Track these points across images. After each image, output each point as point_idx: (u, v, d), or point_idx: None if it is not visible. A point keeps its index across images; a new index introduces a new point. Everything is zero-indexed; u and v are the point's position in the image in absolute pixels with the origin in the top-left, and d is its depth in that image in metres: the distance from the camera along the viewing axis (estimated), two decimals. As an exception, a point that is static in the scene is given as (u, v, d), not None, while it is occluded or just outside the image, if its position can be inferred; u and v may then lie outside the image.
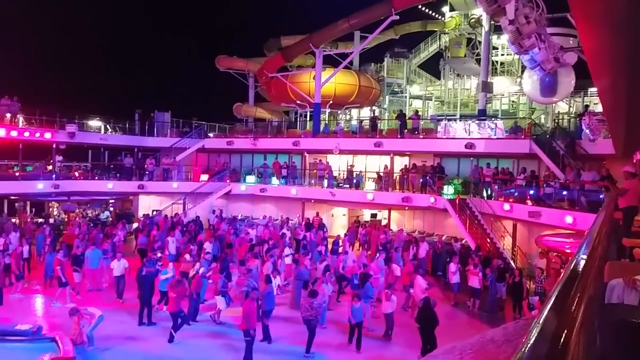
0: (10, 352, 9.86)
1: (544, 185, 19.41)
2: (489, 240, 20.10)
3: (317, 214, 26.71)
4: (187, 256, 17.21)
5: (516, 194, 20.32)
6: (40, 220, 27.67)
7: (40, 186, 25.69)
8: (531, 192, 19.70)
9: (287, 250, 18.61)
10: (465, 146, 22.55)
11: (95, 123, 30.57)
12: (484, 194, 21.66)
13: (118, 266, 15.90)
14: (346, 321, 12.84)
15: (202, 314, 14.42)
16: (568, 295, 2.28)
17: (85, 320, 12.05)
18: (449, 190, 22.59)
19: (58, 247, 18.26)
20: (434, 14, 37.42)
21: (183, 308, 13.12)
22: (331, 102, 32.42)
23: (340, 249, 19.89)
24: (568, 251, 15.74)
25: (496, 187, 21.54)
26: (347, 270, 16.67)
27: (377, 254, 17.77)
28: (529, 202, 19.48)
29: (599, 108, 18.46)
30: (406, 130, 25.79)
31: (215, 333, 13.50)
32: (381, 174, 25.97)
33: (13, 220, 26.31)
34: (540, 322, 1.94)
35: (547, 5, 15.76)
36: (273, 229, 23.57)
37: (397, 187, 25.24)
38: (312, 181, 28.23)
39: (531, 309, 13.33)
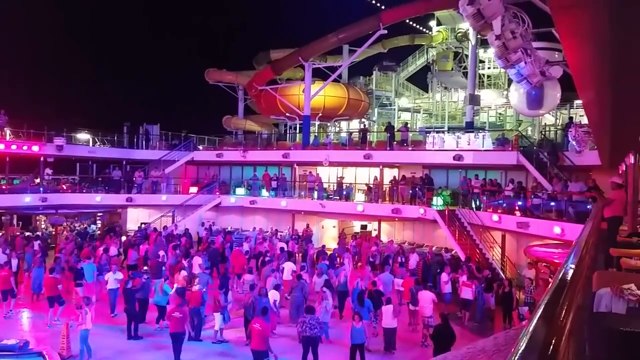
0: (-4, 368, 9.71)
1: (532, 196, 19.60)
2: (478, 250, 20.21)
3: (308, 225, 26.70)
4: (183, 272, 16.57)
5: (504, 205, 20.48)
6: (28, 233, 27.27)
7: (27, 199, 25.43)
8: (519, 203, 19.88)
9: (289, 265, 17.73)
10: (454, 158, 22.75)
11: (83, 136, 30.41)
12: (473, 205, 21.81)
13: (112, 279, 15.60)
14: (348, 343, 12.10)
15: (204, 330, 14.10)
16: (557, 304, 2.32)
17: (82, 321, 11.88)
18: (438, 202, 22.75)
19: (52, 265, 17.68)
20: (421, 28, 37.89)
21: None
22: (320, 114, 32.57)
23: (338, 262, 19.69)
24: (557, 261, 15.86)
25: (484, 198, 21.72)
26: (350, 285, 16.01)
27: (367, 265, 17.64)
28: (517, 213, 19.64)
29: (585, 120, 18.75)
30: (395, 142, 26.00)
31: (216, 352, 13.12)
32: (371, 186, 26.07)
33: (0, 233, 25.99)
34: (530, 330, 1.98)
35: (533, 21, 16.08)
36: (269, 242, 22.98)
37: (387, 199, 25.35)
38: (302, 193, 28.26)
39: (522, 319, 13.38)
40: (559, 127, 26.98)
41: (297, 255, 22.17)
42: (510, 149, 22.43)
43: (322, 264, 18.17)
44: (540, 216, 18.39)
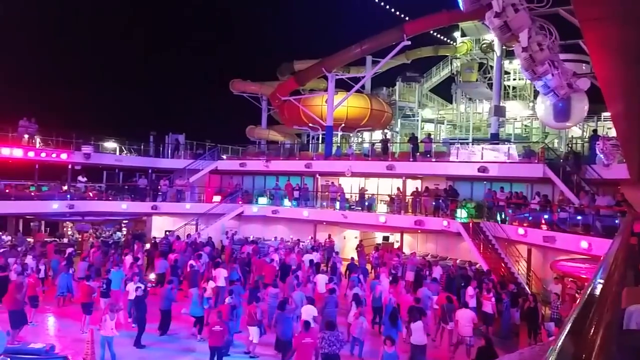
0: (23, 371, 9.91)
1: (559, 209, 19.25)
2: (503, 264, 19.90)
3: (329, 236, 26.66)
4: (211, 282, 16.37)
5: (530, 218, 20.16)
6: (54, 239, 27.84)
7: (55, 206, 25.98)
8: (545, 216, 19.54)
9: (323, 278, 17.26)
10: (479, 170, 22.50)
11: (110, 144, 31.04)
12: (498, 218, 21.52)
13: (134, 289, 14.97)
14: None
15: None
16: (585, 320, 2.29)
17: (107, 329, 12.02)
18: (462, 214, 22.49)
19: (86, 272, 17.82)
20: (445, 39, 37.80)
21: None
22: (343, 125, 32.63)
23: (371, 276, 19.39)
24: (584, 276, 15.53)
25: (510, 211, 21.40)
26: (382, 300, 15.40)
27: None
28: (543, 226, 19.31)
29: (613, 132, 18.40)
30: (418, 154, 25.84)
31: None
32: (393, 197, 25.93)
33: (28, 239, 26.60)
34: (558, 347, 1.95)
35: (560, 33, 15.90)
36: (298, 254, 22.36)
37: (410, 210, 25.16)
38: (324, 203, 28.25)
39: (549, 335, 13.05)
40: (586, 139, 26.53)
41: (322, 267, 21.90)
42: (536, 161, 22.12)
43: (354, 277, 17.67)
44: (566, 230, 18.04)
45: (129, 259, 19.39)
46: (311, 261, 20.45)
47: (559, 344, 1.97)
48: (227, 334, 12.39)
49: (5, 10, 42.64)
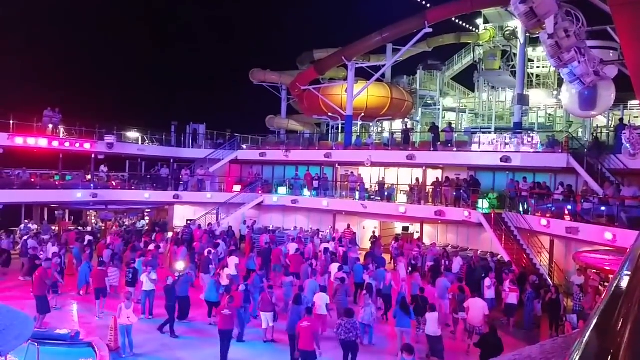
0: (50, 355, 10.14)
1: (582, 200, 18.90)
2: (525, 256, 19.66)
3: (349, 226, 26.65)
4: (227, 270, 16.63)
5: (553, 209, 19.85)
6: (80, 228, 28.38)
7: (79, 195, 26.46)
8: (569, 207, 19.21)
9: (334, 267, 17.36)
10: (501, 159, 22.17)
11: (133, 134, 31.43)
12: (521, 209, 21.23)
13: (147, 280, 14.99)
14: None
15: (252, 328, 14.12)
16: (612, 314, 2.22)
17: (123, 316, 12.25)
18: (484, 205, 22.24)
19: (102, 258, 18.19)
20: (468, 26, 37.20)
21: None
22: (363, 114, 32.45)
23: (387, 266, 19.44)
24: (608, 268, 15.27)
25: (533, 201, 21.09)
26: (392, 290, 15.78)
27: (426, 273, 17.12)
28: (566, 217, 18.99)
29: (641, 121, 17.94)
30: (439, 143, 25.57)
31: (264, 351, 13.16)
32: (413, 187, 25.75)
33: (53, 227, 27.17)
34: (584, 341, 1.90)
35: (587, 18, 15.47)
36: (312, 243, 22.71)
37: (430, 201, 24.97)
38: (344, 193, 28.21)
39: (574, 328, 12.87)
40: (611, 128, 25.95)
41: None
42: (560, 151, 21.72)
43: (358, 265, 18.04)
44: (590, 221, 17.71)
45: (152, 247, 19.74)
46: (326, 249, 20.71)
47: (585, 337, 1.91)
48: (237, 318, 12.63)
49: (35, 4, 43.43)
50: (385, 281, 16.07)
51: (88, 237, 22.27)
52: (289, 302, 13.87)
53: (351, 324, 11.35)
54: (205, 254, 19.16)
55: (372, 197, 26.98)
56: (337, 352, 11.85)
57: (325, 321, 13.76)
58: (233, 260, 17.70)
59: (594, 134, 26.19)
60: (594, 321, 2.13)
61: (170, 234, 26.22)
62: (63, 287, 17.07)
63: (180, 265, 16.98)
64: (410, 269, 18.20)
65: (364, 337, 13.02)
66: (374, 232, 26.61)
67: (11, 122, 24.16)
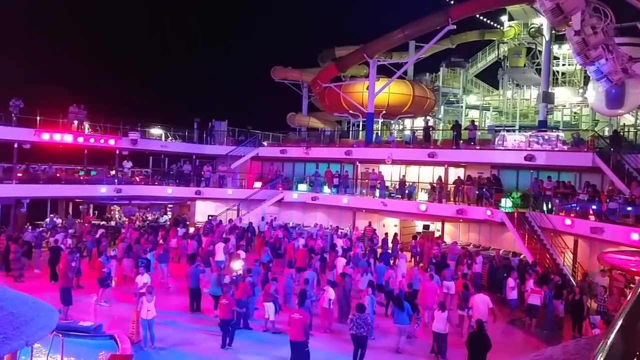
0: (73, 346, 10.36)
1: (608, 200, 18.50)
2: (548, 255, 19.35)
3: (370, 223, 26.57)
4: (238, 262, 17.03)
5: (578, 208, 19.48)
6: (95, 222, 28.81)
7: (103, 190, 26.93)
8: (594, 207, 18.84)
9: (340, 262, 17.91)
10: (525, 158, 21.80)
11: (156, 131, 31.82)
12: (544, 208, 20.89)
13: (140, 281, 14.53)
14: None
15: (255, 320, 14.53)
16: (639, 316, 2.16)
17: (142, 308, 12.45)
18: (507, 204, 21.94)
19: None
20: (492, 23, 36.68)
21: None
22: (384, 111, 32.28)
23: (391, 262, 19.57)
24: (633, 269, 14.94)
25: (557, 201, 20.73)
26: (394, 285, 15.94)
27: (429, 269, 17.20)
28: (591, 217, 18.63)
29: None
30: (462, 141, 25.28)
31: (265, 340, 13.47)
32: (435, 185, 25.53)
33: (77, 221, 27.69)
34: (608, 342, 1.86)
35: (616, 14, 15.11)
36: (321, 239, 23.08)
37: (452, 199, 24.73)
38: (364, 191, 28.13)
39: (593, 327, 12.65)
40: (639, 127, 25.34)
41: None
42: (585, 149, 21.28)
43: (363, 261, 18.24)
44: (616, 221, 17.34)
45: (174, 242, 20.07)
46: (333, 245, 21.09)
47: (610, 339, 1.87)
48: (236, 306, 13.03)
49: (61, 3, 44.28)
50: (385, 277, 16.42)
51: (100, 231, 22.58)
52: (291, 294, 15.03)
53: (362, 319, 11.57)
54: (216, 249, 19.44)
55: (392, 195, 26.84)
56: (346, 345, 12.16)
57: (330, 315, 14.12)
58: (220, 247, 18.91)
59: (621, 132, 25.60)
60: (619, 323, 2.08)
61: (192, 229, 26.51)
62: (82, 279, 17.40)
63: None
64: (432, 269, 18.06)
65: None
66: (395, 233, 26.47)
67: (38, 118, 24.67)
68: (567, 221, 19.09)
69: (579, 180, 21.89)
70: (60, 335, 9.45)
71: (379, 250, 21.44)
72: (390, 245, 23.33)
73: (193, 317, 14.98)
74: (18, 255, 18.11)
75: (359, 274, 16.58)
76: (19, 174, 25.34)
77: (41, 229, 23.92)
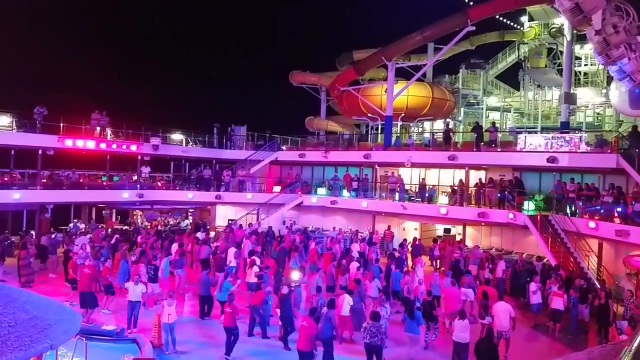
0: (96, 350, 10.51)
1: (633, 202, 18.09)
2: (572, 259, 19.01)
3: (389, 227, 26.43)
4: (256, 268, 16.79)
5: (602, 211, 19.10)
6: (126, 227, 29.25)
7: (125, 195, 27.31)
8: (618, 209, 18.44)
9: (354, 266, 17.56)
10: (547, 160, 21.45)
11: (177, 136, 32.21)
12: (568, 211, 20.53)
13: (134, 290, 13.82)
14: None
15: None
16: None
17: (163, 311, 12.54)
18: (529, 206, 21.60)
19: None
20: (512, 23, 36.32)
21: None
22: (403, 114, 32.14)
23: (406, 268, 19.30)
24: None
25: (580, 203, 20.35)
26: (411, 292, 15.42)
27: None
28: (616, 220, 18.24)
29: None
30: (482, 143, 25.00)
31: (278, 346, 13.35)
32: (455, 188, 25.28)
33: (100, 226, 28.13)
34: (633, 348, 1.82)
35: (638, 13, 14.82)
36: (337, 242, 22.84)
37: (473, 202, 24.45)
38: (383, 194, 27.97)
39: (620, 333, 12.36)
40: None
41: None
42: (609, 151, 20.86)
43: (375, 266, 17.90)
44: (642, 224, 16.96)
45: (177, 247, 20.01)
46: (347, 249, 20.92)
47: (634, 345, 1.83)
48: (237, 315, 12.85)
49: (84, 12, 45.13)
50: (400, 284, 16.12)
51: (116, 236, 22.74)
52: (299, 302, 15.08)
53: (376, 328, 11.18)
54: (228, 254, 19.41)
55: (412, 198, 26.66)
56: (359, 355, 11.87)
57: (348, 323, 13.68)
58: (232, 252, 19.14)
59: (635, 125, 25.02)
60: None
61: (212, 234, 26.69)
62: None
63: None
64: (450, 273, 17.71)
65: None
66: (405, 239, 26.16)
67: (61, 124, 25.15)
68: (591, 224, 18.73)
69: (602, 182, 21.47)
70: (84, 339, 9.60)
71: (397, 254, 21.28)
72: (409, 248, 23.08)
73: (201, 324, 14.92)
74: (27, 262, 18.41)
75: (368, 280, 16.09)
76: (43, 180, 25.86)
77: (59, 234, 24.09)
